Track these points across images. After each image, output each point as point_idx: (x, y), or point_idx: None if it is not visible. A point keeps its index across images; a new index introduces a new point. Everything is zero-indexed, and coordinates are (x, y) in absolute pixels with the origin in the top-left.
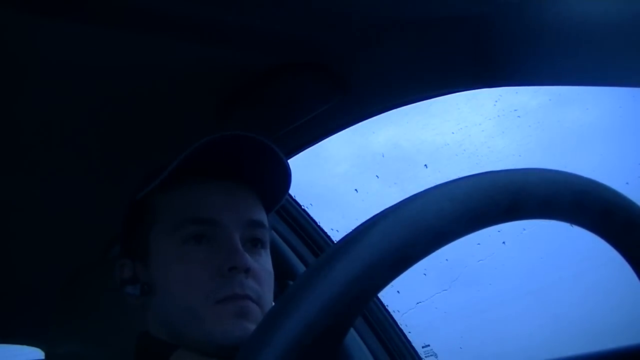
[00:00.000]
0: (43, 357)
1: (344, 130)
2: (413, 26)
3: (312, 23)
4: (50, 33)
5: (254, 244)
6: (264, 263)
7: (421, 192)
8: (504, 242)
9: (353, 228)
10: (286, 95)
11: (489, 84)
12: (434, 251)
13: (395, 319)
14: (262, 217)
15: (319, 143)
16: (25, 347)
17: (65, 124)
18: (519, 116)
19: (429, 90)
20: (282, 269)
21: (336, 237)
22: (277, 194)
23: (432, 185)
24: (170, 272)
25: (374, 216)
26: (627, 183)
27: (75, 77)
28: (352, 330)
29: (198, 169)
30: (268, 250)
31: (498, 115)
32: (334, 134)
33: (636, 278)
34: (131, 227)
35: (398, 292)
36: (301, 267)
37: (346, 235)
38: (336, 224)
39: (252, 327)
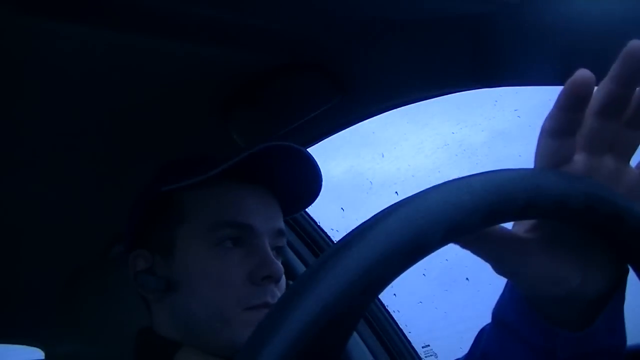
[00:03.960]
0: (43, 357)
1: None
2: (413, 26)
3: (311, 23)
4: (51, 35)
5: (278, 252)
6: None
7: (440, 184)
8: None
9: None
10: (286, 95)
11: (489, 84)
12: (449, 242)
13: (395, 319)
14: (283, 225)
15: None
16: (25, 347)
17: (66, 124)
18: (519, 116)
19: (429, 90)
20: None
21: (336, 237)
22: (302, 204)
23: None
24: (202, 272)
25: (393, 204)
26: None
27: (76, 77)
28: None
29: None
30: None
31: (495, 117)
32: (333, 134)
33: (637, 279)
34: (152, 219)
35: (395, 295)
36: (301, 267)
37: (364, 222)
38: (336, 224)
39: None
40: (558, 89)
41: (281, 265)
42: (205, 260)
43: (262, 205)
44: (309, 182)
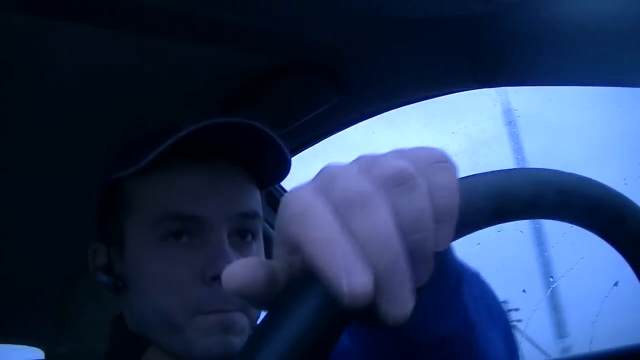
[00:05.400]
0: (43, 357)
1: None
2: (412, 26)
3: (312, 23)
4: (50, 34)
5: (244, 235)
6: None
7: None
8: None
9: None
10: (286, 95)
11: (489, 84)
12: (529, 218)
13: None
14: (254, 205)
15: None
16: (25, 347)
17: (65, 124)
18: (519, 116)
19: (429, 90)
20: None
21: None
22: (274, 173)
23: None
24: (148, 272)
25: (492, 171)
26: (625, 184)
27: (76, 77)
28: None
29: (183, 150)
30: (260, 240)
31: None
32: (333, 134)
33: (635, 275)
34: (105, 209)
35: None
36: None
37: (473, 175)
38: None
39: (236, 339)
40: (558, 89)
41: (236, 259)
42: (150, 258)
43: (216, 188)
44: (269, 154)
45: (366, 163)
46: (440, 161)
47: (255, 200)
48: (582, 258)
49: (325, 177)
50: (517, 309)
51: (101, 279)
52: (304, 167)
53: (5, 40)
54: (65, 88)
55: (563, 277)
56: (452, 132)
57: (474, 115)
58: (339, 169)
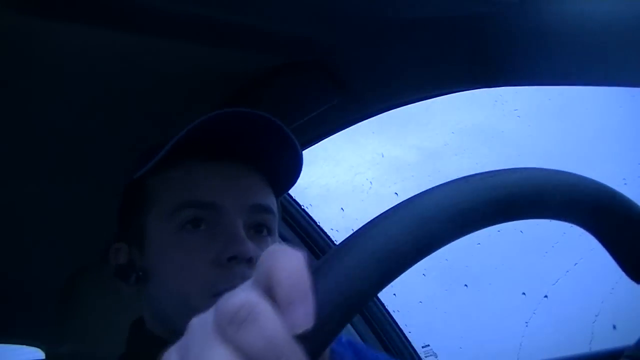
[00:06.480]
0: (43, 357)
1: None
2: (413, 26)
3: (312, 23)
4: (51, 35)
5: (259, 230)
6: None
7: (416, 195)
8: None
9: (352, 231)
10: (286, 95)
11: (489, 84)
12: (429, 254)
13: (395, 319)
14: (269, 201)
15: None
16: (25, 347)
17: (65, 124)
18: (518, 116)
19: (429, 90)
20: None
21: (336, 237)
22: (288, 176)
23: None
24: (166, 259)
25: (372, 220)
26: (625, 184)
27: (76, 77)
28: (351, 329)
29: (200, 148)
30: (276, 238)
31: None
32: (333, 134)
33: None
34: (127, 208)
35: (394, 295)
36: None
37: (346, 238)
38: (336, 224)
39: None
40: (558, 89)
41: (250, 244)
42: (169, 246)
43: (232, 181)
44: (283, 148)
45: (215, 311)
46: (280, 250)
47: (270, 199)
48: (582, 258)
49: (186, 344)
50: (427, 345)
51: (119, 274)
52: (304, 167)
53: (6, 41)
54: (64, 89)
55: (562, 277)
56: (452, 132)
57: (473, 115)
58: (195, 331)
